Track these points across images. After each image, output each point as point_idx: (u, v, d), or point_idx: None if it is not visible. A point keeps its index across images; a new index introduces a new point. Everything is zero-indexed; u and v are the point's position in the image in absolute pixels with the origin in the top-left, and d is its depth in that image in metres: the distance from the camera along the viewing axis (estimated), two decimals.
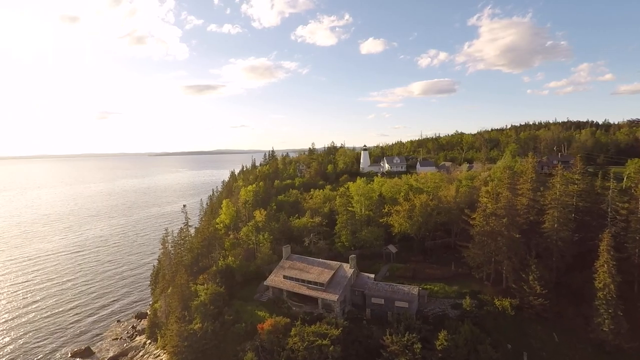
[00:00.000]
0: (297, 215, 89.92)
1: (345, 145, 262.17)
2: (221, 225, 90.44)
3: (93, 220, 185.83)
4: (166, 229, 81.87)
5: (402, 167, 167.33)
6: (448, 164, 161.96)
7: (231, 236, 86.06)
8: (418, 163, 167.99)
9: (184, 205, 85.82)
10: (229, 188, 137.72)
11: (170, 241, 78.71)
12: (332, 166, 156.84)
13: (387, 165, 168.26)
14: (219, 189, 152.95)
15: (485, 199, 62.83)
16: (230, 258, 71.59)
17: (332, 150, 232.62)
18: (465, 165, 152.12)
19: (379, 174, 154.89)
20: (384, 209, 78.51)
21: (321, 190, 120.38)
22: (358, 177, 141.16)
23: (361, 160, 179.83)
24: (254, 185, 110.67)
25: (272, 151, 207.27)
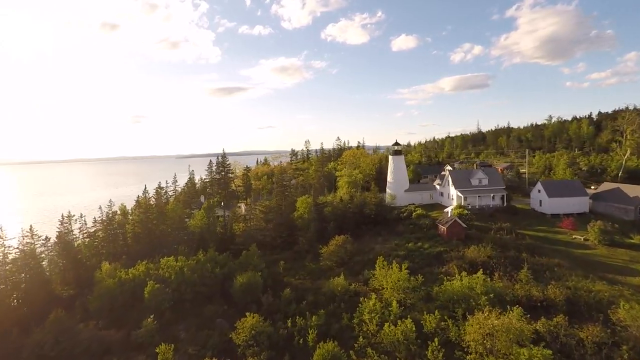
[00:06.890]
0: None
1: (365, 145, 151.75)
2: None
3: None
4: None
5: (494, 198, 66.06)
6: (629, 190, 58.85)
7: None
8: (540, 186, 65.34)
9: None
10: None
11: None
12: (302, 204, 56.92)
13: (453, 192, 67.45)
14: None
15: None
16: None
17: (336, 154, 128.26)
18: None
19: (439, 225, 55.00)
20: None
21: None
22: (378, 259, 39.87)
23: (389, 177, 79.20)
24: None
25: (223, 155, 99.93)
